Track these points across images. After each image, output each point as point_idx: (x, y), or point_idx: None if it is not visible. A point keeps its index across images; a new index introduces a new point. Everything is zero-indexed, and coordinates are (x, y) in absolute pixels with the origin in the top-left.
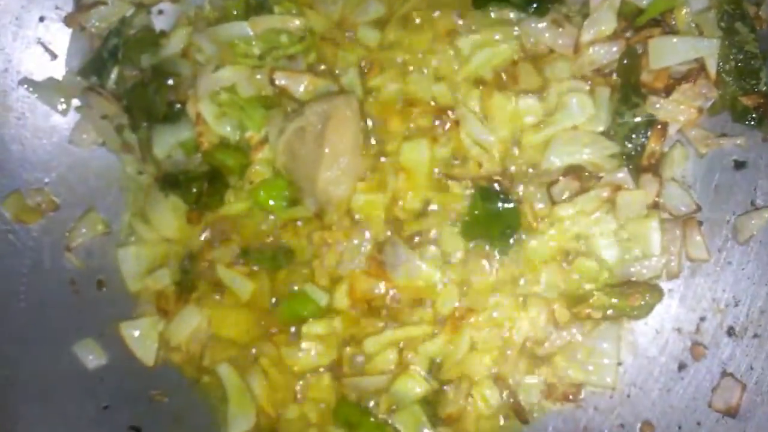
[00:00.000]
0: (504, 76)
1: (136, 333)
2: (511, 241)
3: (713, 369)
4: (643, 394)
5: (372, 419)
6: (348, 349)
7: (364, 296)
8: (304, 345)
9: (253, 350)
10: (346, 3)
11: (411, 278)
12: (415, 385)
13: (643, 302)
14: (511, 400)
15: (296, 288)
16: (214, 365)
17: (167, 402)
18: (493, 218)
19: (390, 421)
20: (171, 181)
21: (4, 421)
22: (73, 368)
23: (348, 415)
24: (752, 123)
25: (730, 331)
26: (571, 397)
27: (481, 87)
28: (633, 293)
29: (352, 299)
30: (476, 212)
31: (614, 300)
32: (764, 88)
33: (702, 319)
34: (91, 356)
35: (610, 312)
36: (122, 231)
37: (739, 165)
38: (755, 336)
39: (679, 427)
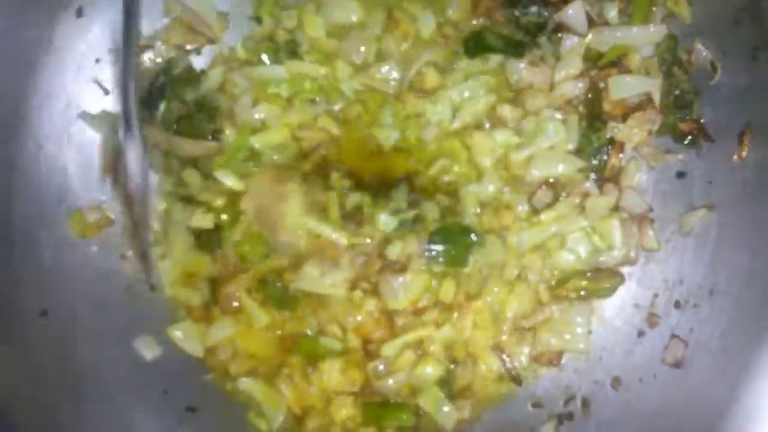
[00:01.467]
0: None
1: (181, 334)
2: (471, 260)
3: (664, 333)
4: (611, 356)
5: (395, 404)
6: (369, 364)
7: (374, 333)
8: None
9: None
10: (367, 54)
11: (412, 295)
12: (431, 370)
13: (608, 284)
14: (508, 366)
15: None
16: (238, 376)
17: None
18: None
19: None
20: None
21: (78, 409)
22: (135, 360)
23: (374, 413)
24: (688, 143)
25: (677, 304)
26: (554, 362)
27: (464, 136)
28: (601, 277)
29: (362, 339)
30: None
31: (586, 283)
32: (696, 117)
33: (655, 295)
34: (149, 350)
35: (583, 293)
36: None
37: (680, 175)
38: (695, 306)
39: (640, 379)
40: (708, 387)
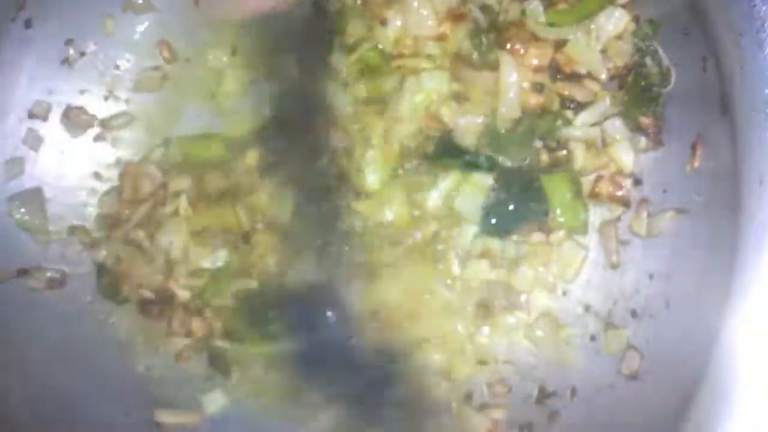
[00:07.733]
0: None
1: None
2: None
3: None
4: (569, 367)
5: None
6: None
7: None
8: None
9: None
10: None
11: None
12: None
13: None
14: None
15: None
16: None
17: None
18: None
19: None
20: None
21: None
22: None
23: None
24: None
25: (633, 314)
26: None
27: None
28: None
29: None
30: None
31: None
32: (658, 114)
33: (614, 302)
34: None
35: None
36: None
37: (637, 182)
38: (650, 316)
39: (597, 390)
40: (662, 398)
